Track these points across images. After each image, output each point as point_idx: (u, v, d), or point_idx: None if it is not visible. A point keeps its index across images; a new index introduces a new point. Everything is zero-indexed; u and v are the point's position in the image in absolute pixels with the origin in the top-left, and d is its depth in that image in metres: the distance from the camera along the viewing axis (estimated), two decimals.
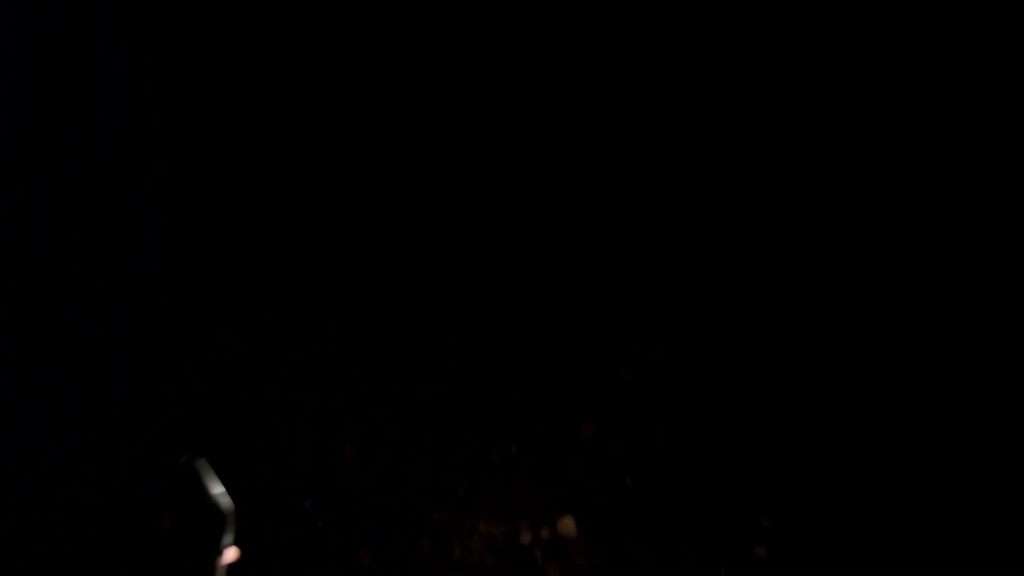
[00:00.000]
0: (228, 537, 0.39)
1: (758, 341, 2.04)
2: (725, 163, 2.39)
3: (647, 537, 1.67)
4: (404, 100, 2.47)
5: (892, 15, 2.47)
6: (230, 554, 0.39)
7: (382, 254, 2.13)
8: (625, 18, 2.59)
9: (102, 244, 1.54)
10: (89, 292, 1.51)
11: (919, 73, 2.47)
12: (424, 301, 2.04)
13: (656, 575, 1.62)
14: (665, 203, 2.31)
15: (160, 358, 1.73)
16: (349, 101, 2.45)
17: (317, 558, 1.60)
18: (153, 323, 1.71)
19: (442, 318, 2.01)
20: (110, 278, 1.56)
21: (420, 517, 1.67)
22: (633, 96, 2.57)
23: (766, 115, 2.53)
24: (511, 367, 1.95)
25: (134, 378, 1.59)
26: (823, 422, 1.89)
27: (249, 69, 2.35)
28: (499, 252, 2.16)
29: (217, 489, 0.39)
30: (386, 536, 1.64)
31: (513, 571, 1.61)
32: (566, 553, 1.64)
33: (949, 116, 2.44)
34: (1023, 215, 2.20)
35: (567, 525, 1.61)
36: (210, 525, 0.38)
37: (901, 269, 2.15)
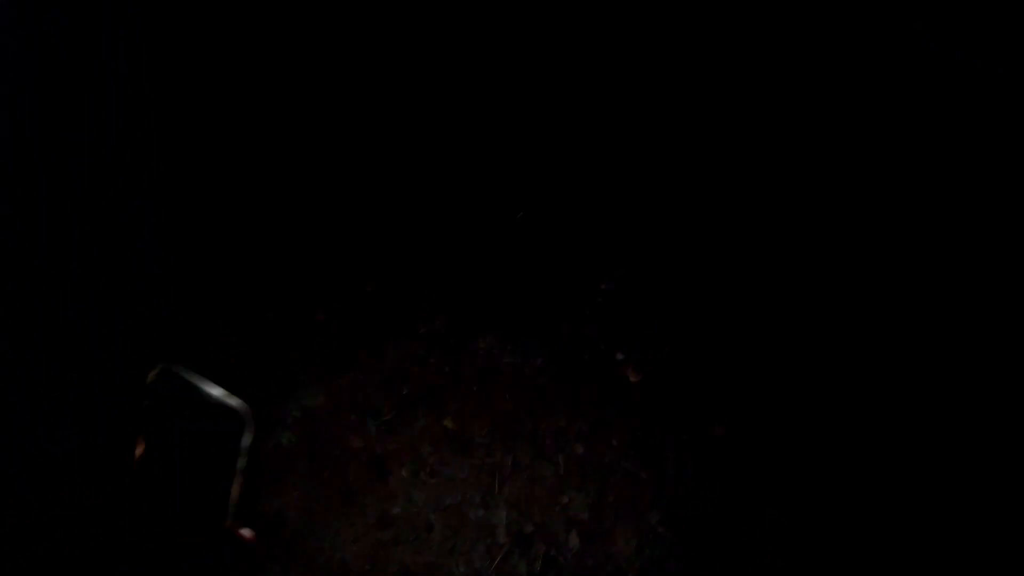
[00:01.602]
0: (248, 439, 0.38)
1: (761, 339, 2.04)
2: (723, 150, 2.39)
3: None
4: (405, 101, 2.47)
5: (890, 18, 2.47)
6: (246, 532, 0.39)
7: (382, 254, 2.13)
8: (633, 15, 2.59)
9: (102, 244, 1.54)
10: (89, 292, 1.51)
11: (921, 72, 2.47)
12: (424, 301, 2.04)
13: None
14: (666, 197, 2.31)
15: (160, 358, 1.73)
16: (350, 102, 2.45)
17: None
18: (153, 323, 1.71)
19: (442, 318, 2.01)
20: (110, 278, 1.56)
21: (427, 521, 1.67)
22: (620, 78, 2.57)
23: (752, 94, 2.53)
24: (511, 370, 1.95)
25: (134, 378, 1.59)
26: (828, 418, 1.89)
27: (249, 69, 2.36)
28: (500, 252, 2.16)
29: (215, 392, 0.38)
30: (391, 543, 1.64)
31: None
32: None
33: (953, 114, 2.44)
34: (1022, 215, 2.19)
35: None
36: (222, 431, 0.37)
37: (904, 259, 2.15)
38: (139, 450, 0.38)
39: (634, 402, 1.92)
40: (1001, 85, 2.37)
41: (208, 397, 0.37)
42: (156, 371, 0.37)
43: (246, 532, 0.37)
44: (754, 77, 2.64)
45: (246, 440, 0.37)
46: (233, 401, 0.36)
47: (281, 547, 1.59)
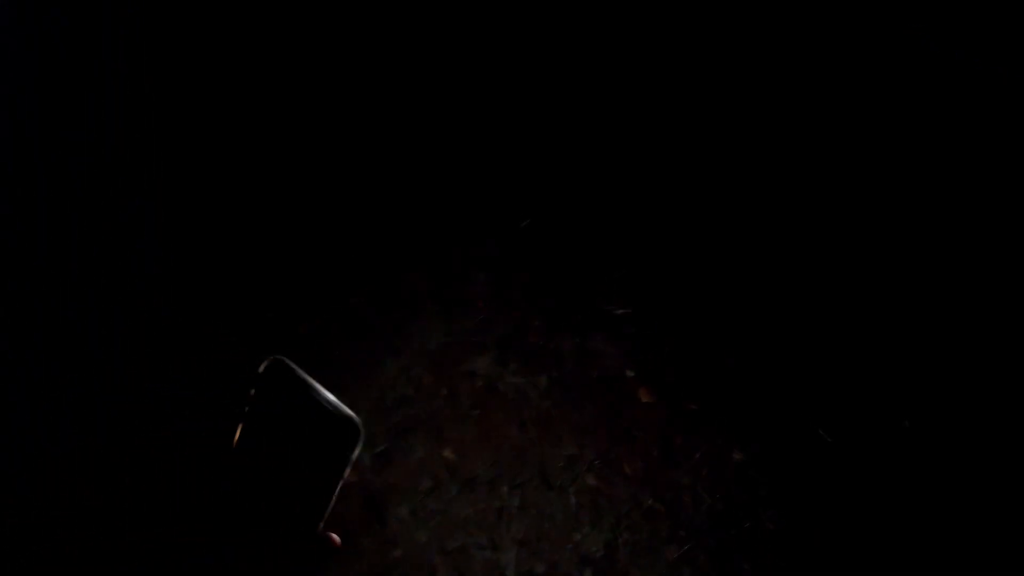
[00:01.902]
0: (357, 451, 0.39)
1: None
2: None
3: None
4: (406, 110, 2.47)
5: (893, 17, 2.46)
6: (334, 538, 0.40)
7: (381, 254, 2.13)
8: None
9: (102, 244, 1.54)
10: (89, 292, 1.51)
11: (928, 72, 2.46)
12: (415, 313, 2.03)
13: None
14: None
15: (160, 358, 1.73)
16: (350, 102, 2.45)
17: None
18: (153, 323, 1.71)
19: (437, 333, 2.01)
20: (110, 278, 1.56)
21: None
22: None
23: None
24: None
25: (134, 378, 1.59)
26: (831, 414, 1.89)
27: (249, 69, 2.35)
28: (497, 260, 2.16)
29: (328, 396, 0.38)
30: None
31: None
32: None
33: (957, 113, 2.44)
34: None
35: None
36: (332, 438, 0.38)
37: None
38: (236, 436, 0.39)
39: (647, 425, 1.85)
40: (1001, 85, 2.37)
41: (322, 401, 0.37)
42: (267, 363, 0.38)
43: (336, 538, 0.38)
44: (753, 77, 2.64)
45: (355, 452, 0.38)
46: (346, 411, 0.37)
47: None
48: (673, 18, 2.79)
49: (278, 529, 0.37)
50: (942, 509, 1.74)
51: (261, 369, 0.39)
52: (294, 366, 0.38)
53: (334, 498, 0.38)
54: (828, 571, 1.64)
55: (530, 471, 1.73)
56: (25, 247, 1.40)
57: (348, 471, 0.39)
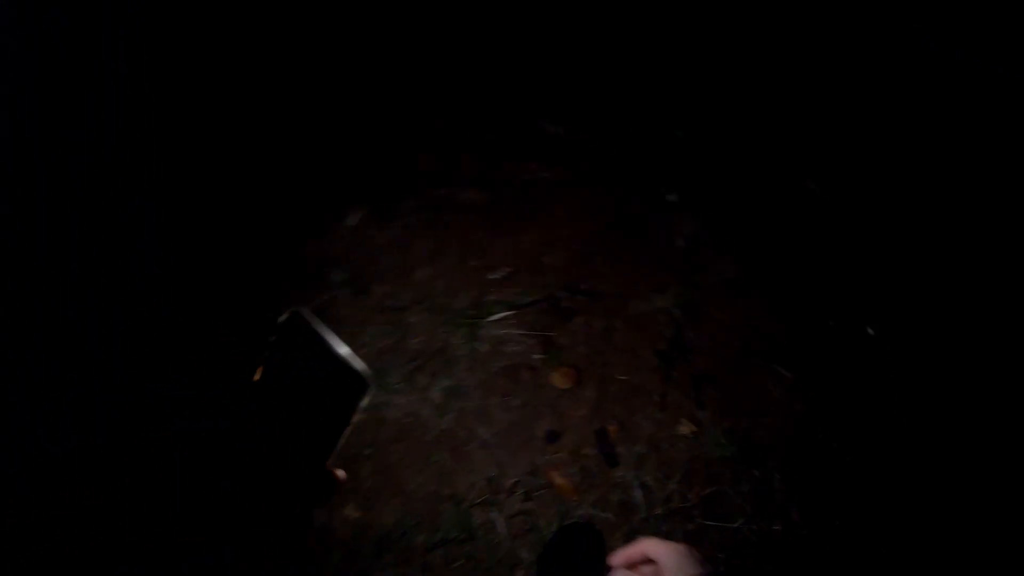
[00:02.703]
0: (367, 401, 0.41)
1: None
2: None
3: None
4: (406, 102, 2.47)
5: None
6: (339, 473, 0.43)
7: (381, 251, 2.13)
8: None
9: (102, 244, 1.54)
10: (89, 292, 1.51)
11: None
12: (423, 299, 2.03)
13: None
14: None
15: (160, 358, 1.73)
16: (350, 101, 2.44)
17: None
18: (153, 323, 1.71)
19: (438, 321, 2.00)
20: (110, 278, 1.56)
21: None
22: None
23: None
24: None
25: (134, 378, 1.58)
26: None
27: (248, 69, 2.35)
28: (356, 254, 2.16)
29: (342, 348, 0.41)
30: None
31: None
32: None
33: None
34: None
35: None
36: (344, 387, 0.41)
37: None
38: (257, 375, 0.42)
39: (572, 418, 1.50)
40: (1001, 85, 2.37)
41: (335, 353, 0.41)
42: (288, 313, 0.41)
43: (341, 473, 0.42)
44: (755, 76, 2.63)
45: (365, 401, 0.42)
46: (358, 364, 0.40)
47: None
48: (672, 18, 2.78)
49: (291, 466, 0.41)
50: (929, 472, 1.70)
51: (281, 319, 0.43)
52: (311, 319, 0.42)
53: (343, 439, 0.41)
54: (807, 561, 1.56)
55: (447, 511, 1.39)
56: (25, 247, 1.40)
57: (356, 416, 0.43)
